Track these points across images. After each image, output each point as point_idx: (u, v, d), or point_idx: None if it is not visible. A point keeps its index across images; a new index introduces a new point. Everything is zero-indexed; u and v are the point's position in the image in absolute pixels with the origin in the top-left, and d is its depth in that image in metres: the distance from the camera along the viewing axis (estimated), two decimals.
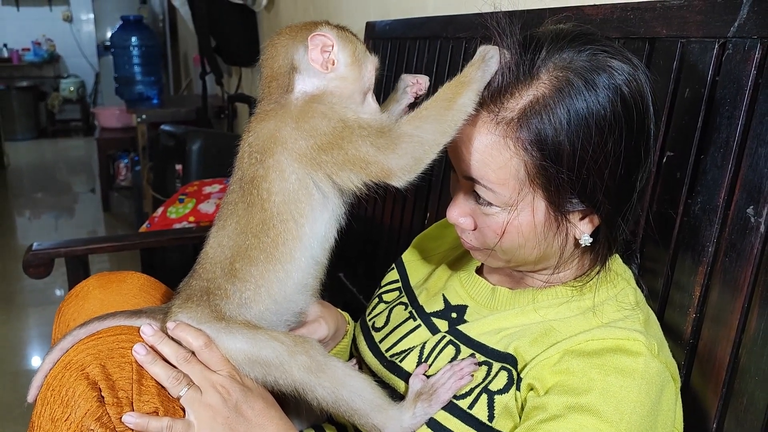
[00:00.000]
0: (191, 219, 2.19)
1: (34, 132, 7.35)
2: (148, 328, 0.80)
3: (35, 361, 2.64)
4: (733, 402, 0.76)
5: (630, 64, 0.72)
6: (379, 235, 1.66)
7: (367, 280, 1.69)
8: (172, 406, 0.76)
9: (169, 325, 0.80)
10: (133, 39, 4.25)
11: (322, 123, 0.77)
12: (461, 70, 0.74)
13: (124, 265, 3.27)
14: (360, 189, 0.77)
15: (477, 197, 0.76)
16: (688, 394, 0.80)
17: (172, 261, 2.28)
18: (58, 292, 3.18)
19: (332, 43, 0.80)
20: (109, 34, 5.32)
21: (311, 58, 0.80)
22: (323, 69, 0.80)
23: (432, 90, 1.45)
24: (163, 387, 0.77)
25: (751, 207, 0.75)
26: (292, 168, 0.78)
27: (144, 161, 3.71)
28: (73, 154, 6.80)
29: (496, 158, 0.72)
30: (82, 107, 7.52)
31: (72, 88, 7.39)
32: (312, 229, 0.80)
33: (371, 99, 0.85)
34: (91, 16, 6.83)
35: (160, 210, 2.32)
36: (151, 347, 0.79)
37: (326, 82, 0.80)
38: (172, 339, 0.80)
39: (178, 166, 2.83)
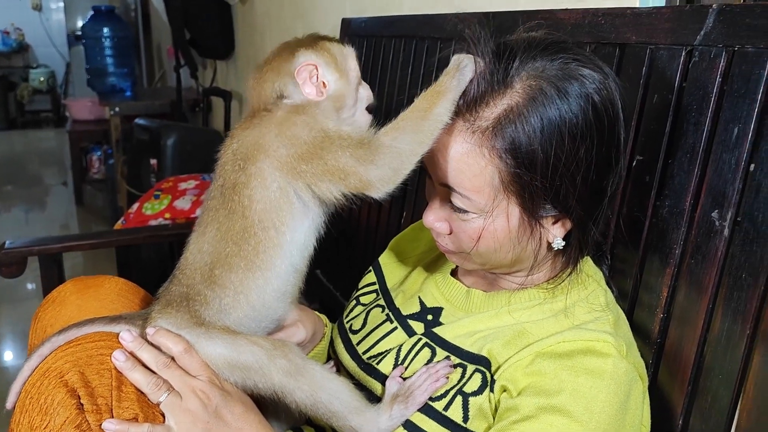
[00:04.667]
0: (167, 215, 2.18)
1: (3, 123, 7.20)
2: (127, 334, 0.80)
3: (8, 356, 2.61)
4: (699, 400, 0.79)
5: (601, 72, 0.74)
6: (355, 232, 1.68)
7: (343, 277, 1.71)
8: (152, 412, 0.76)
9: (149, 330, 0.81)
10: (105, 30, 4.18)
11: (303, 132, 0.77)
12: (435, 79, 0.76)
13: (99, 261, 3.23)
14: (339, 200, 0.78)
15: (453, 204, 0.77)
16: (655, 392, 0.83)
17: (147, 258, 2.27)
18: (30, 286, 3.13)
19: (315, 65, 0.81)
20: (79, 23, 5.21)
21: (306, 93, 0.81)
22: (319, 96, 0.81)
23: (407, 92, 1.47)
24: (142, 393, 0.77)
25: (716, 211, 0.77)
26: (273, 176, 0.78)
27: (117, 155, 3.67)
28: (43, 146, 6.68)
29: (472, 166, 0.73)
30: (52, 98, 7.38)
31: (42, 79, 7.25)
32: (292, 237, 0.81)
33: (363, 89, 0.86)
34: (61, 4, 6.68)
35: (135, 206, 2.30)
36: (131, 353, 0.79)
37: (321, 102, 0.82)
38: (152, 345, 0.80)
39: (153, 161, 2.81)
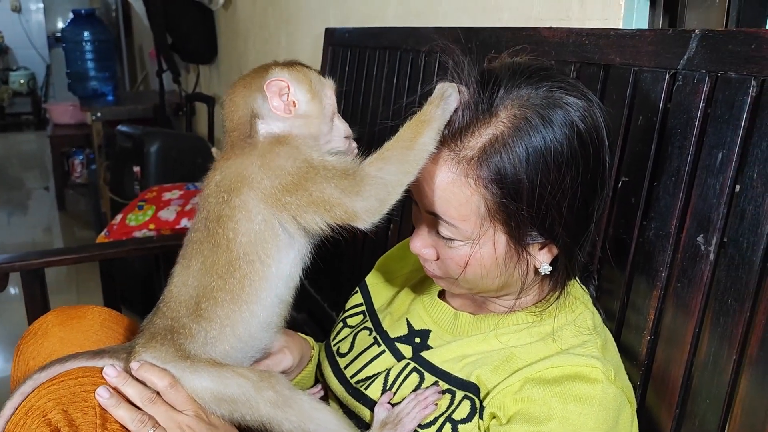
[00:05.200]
0: (151, 226, 2.16)
1: None
2: (111, 370, 0.79)
3: None
4: (686, 423, 0.79)
5: (585, 99, 0.73)
6: (343, 242, 1.67)
7: (330, 288, 1.70)
8: None
9: (133, 365, 0.80)
10: (86, 33, 4.12)
11: (287, 163, 0.76)
12: (420, 108, 0.75)
13: (82, 273, 3.19)
14: (324, 230, 0.77)
15: (439, 231, 0.77)
16: (643, 415, 0.83)
17: (132, 269, 2.25)
18: (12, 291, 3.07)
19: (287, 83, 0.80)
20: (59, 25, 5.15)
21: (273, 106, 0.79)
22: (286, 113, 0.80)
23: (391, 103, 1.45)
24: (127, 430, 0.76)
25: (701, 236, 0.78)
26: (258, 209, 0.77)
27: (100, 160, 3.63)
28: (25, 149, 6.59)
29: (458, 195, 0.73)
30: (33, 100, 7.28)
31: (22, 81, 7.15)
32: (278, 269, 0.80)
33: (338, 121, 0.85)
34: (41, 5, 6.59)
35: (119, 217, 2.27)
36: (115, 389, 0.78)
37: (290, 124, 0.80)
38: (137, 379, 0.79)
39: (136, 168, 2.78)
